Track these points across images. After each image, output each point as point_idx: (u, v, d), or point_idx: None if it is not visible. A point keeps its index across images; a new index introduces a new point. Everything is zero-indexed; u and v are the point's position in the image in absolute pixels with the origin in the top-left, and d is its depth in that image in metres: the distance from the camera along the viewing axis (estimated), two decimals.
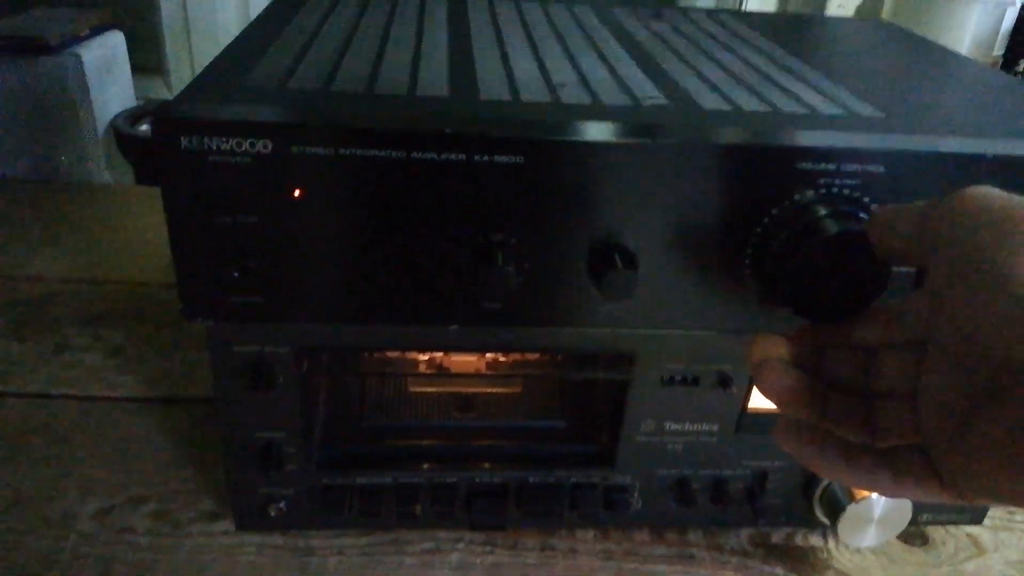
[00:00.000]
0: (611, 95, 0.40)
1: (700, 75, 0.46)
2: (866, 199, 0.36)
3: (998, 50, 1.21)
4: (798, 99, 0.42)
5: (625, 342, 0.41)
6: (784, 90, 0.44)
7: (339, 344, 0.40)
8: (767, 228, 0.36)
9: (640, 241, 0.36)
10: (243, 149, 0.32)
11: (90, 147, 0.93)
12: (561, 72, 0.44)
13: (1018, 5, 1.20)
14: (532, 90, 0.40)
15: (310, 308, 0.37)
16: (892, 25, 0.70)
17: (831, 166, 0.35)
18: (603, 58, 0.48)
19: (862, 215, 0.37)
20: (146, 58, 1.19)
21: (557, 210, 0.35)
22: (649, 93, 0.41)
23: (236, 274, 0.35)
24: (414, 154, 0.33)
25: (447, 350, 0.44)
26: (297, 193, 0.33)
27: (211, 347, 0.38)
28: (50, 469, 0.49)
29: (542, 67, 0.45)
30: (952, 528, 0.51)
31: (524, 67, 0.44)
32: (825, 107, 0.41)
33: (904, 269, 0.38)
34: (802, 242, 0.35)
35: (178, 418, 0.55)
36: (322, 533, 0.45)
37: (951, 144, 0.37)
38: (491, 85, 0.40)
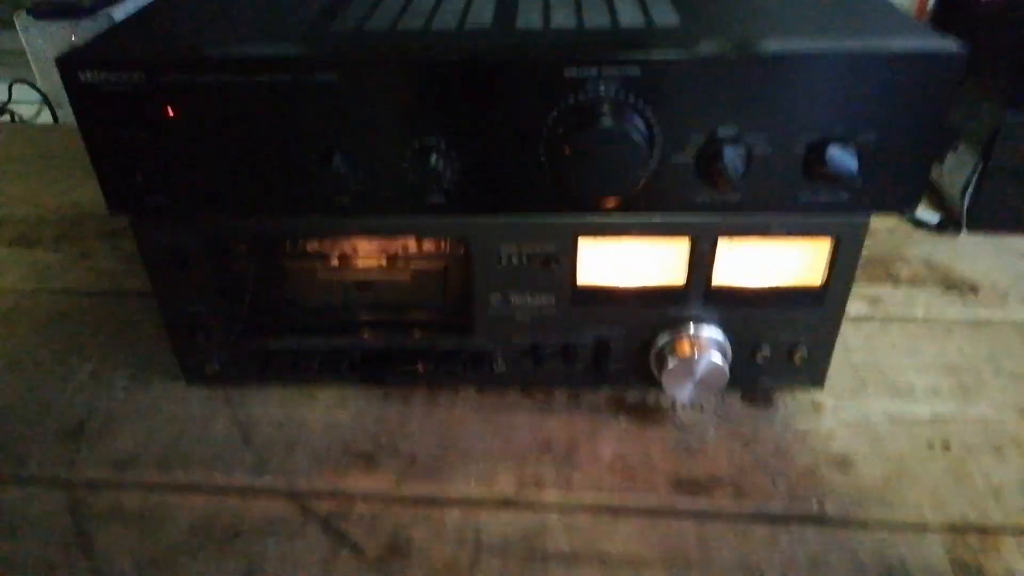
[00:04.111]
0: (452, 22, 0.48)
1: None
2: (631, 99, 0.43)
3: None
4: (614, 16, 0.48)
5: (458, 229, 0.50)
6: (611, 9, 0.50)
7: (229, 236, 0.51)
8: (550, 128, 0.44)
9: (460, 142, 0.45)
10: (124, 80, 0.42)
11: None
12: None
13: None
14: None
15: (200, 206, 0.48)
16: None
17: (593, 72, 0.42)
18: None
19: (632, 116, 0.44)
20: None
21: (380, 121, 0.44)
22: (478, 20, 0.49)
23: (139, 179, 0.46)
24: (259, 78, 0.43)
25: (315, 237, 0.55)
26: (171, 113, 0.44)
27: (136, 236, 0.50)
28: (64, 343, 0.64)
29: None
30: (799, 394, 0.58)
31: None
32: (632, 21, 0.48)
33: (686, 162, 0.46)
34: (570, 138, 0.43)
35: None
36: (253, 388, 0.58)
37: (704, 49, 0.43)
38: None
